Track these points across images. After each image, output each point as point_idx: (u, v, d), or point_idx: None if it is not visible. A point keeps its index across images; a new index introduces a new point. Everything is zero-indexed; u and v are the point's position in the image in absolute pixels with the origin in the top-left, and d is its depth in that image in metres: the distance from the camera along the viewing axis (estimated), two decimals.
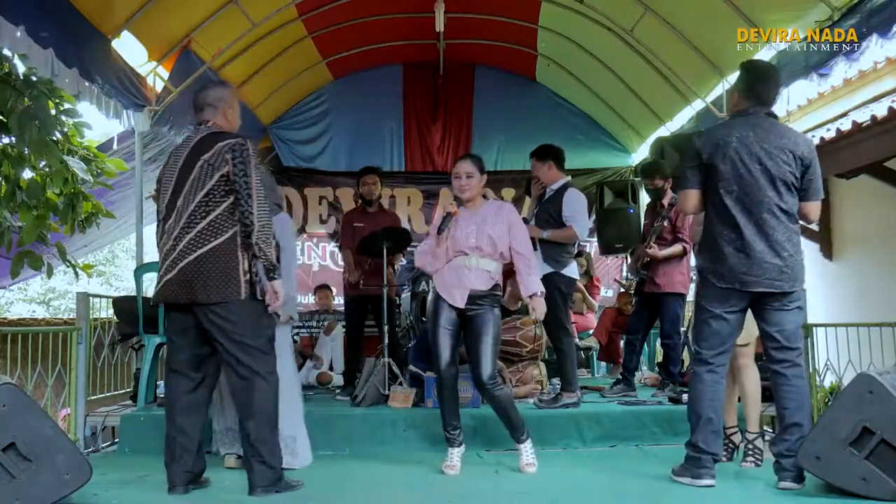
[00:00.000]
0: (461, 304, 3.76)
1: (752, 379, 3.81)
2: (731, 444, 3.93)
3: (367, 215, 5.82)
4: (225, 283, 3.15)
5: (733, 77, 5.81)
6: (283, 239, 4.05)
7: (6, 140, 4.30)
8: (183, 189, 3.22)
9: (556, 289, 4.67)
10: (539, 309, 3.83)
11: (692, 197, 3.41)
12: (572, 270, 4.86)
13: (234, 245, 3.18)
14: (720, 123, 3.48)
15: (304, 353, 6.85)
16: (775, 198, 3.25)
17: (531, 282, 3.83)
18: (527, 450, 3.82)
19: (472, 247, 3.80)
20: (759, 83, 3.41)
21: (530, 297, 3.82)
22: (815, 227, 7.10)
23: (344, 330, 6.32)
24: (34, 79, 4.21)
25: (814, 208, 3.37)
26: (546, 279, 4.35)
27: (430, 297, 3.96)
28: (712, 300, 3.34)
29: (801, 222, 3.41)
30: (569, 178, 4.95)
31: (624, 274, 6.21)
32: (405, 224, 8.57)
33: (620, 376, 5.44)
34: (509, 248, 3.83)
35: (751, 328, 3.50)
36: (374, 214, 5.82)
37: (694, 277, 3.54)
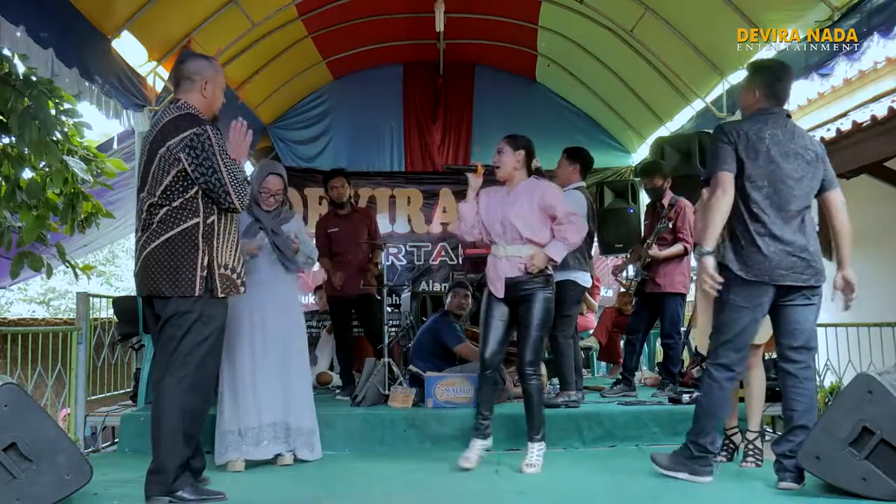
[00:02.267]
0: (501, 295, 3.84)
1: (760, 379, 3.82)
2: (731, 445, 3.94)
3: (341, 218, 5.77)
4: (176, 276, 3.05)
5: (733, 77, 5.84)
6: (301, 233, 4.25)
7: (6, 140, 4.31)
8: (147, 180, 3.15)
9: (565, 293, 4.65)
10: (535, 259, 3.78)
11: (730, 180, 3.28)
12: (584, 279, 4.87)
13: (190, 238, 3.08)
14: (746, 119, 3.44)
15: None
16: (802, 196, 3.30)
17: (550, 246, 3.81)
18: (534, 450, 3.81)
19: (499, 234, 3.86)
20: (782, 82, 3.44)
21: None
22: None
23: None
24: (34, 79, 4.22)
25: (837, 195, 3.40)
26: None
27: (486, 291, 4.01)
28: (739, 295, 3.28)
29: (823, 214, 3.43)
30: (582, 184, 4.95)
31: (624, 274, 6.20)
32: (405, 224, 8.61)
33: (620, 376, 5.44)
34: (549, 228, 3.84)
35: (767, 329, 3.50)
36: (347, 216, 5.79)
37: (695, 277, 3.51)
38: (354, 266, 5.66)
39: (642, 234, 5.69)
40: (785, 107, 3.46)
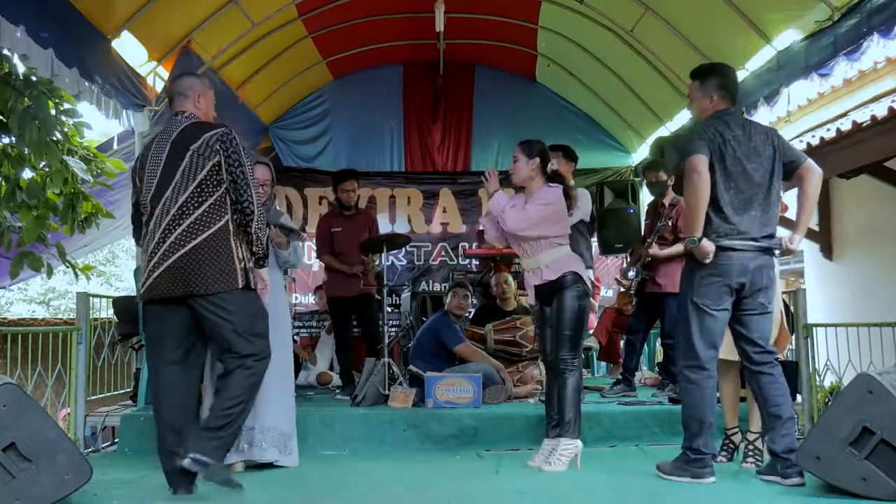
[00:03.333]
0: (533, 301, 3.99)
1: None
2: (731, 444, 3.94)
3: (345, 219, 5.77)
4: (221, 272, 3.12)
5: None
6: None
7: (6, 140, 4.30)
8: (172, 181, 3.17)
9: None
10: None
11: (704, 162, 3.29)
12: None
13: (227, 234, 3.16)
14: (707, 123, 3.47)
15: (299, 354, 6.78)
16: (765, 192, 3.37)
17: (497, 195, 3.91)
18: (547, 447, 3.81)
19: (517, 245, 3.96)
20: (732, 82, 3.54)
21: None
22: (815, 227, 7.12)
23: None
24: (34, 79, 4.21)
25: (810, 165, 3.41)
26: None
27: None
28: (705, 297, 3.36)
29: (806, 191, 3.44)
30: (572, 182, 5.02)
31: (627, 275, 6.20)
32: (405, 224, 8.63)
33: (620, 376, 5.44)
34: (556, 226, 3.86)
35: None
36: (351, 217, 5.79)
37: None
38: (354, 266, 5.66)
39: (642, 233, 5.69)
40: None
